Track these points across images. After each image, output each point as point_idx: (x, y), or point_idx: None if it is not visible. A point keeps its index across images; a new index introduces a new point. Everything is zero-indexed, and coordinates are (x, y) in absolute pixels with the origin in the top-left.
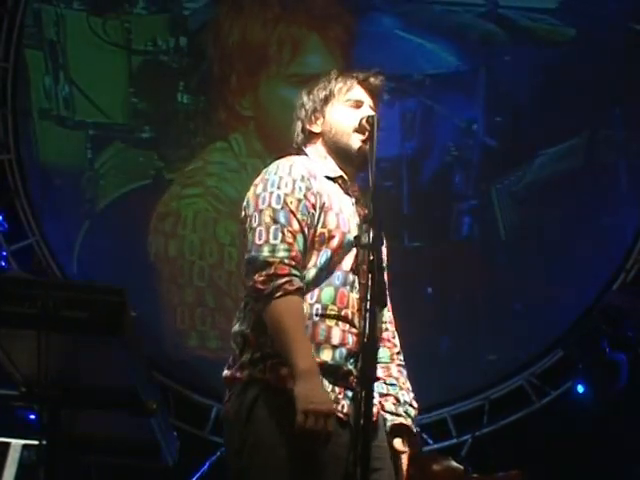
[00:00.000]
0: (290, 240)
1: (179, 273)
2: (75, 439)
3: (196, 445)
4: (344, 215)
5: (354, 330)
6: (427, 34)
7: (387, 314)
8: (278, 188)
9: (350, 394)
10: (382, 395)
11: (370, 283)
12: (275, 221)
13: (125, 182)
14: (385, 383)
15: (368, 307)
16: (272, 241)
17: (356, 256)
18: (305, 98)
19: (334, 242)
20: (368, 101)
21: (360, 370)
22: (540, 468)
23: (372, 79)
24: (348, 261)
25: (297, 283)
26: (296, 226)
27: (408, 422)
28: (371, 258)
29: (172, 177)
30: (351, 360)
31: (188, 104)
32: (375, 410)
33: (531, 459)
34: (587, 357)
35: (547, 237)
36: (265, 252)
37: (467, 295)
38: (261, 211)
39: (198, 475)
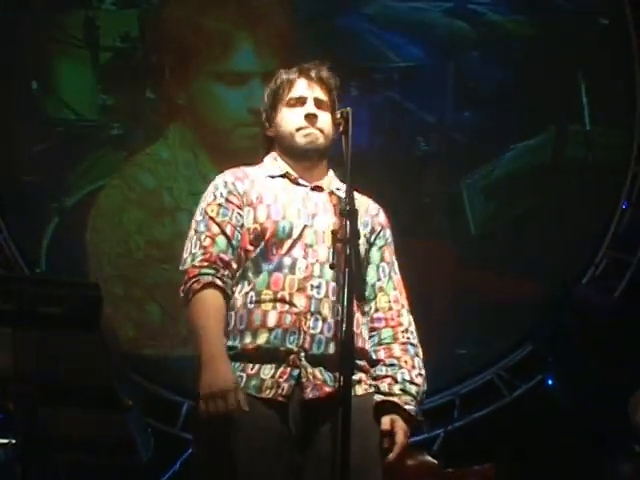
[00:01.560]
0: (206, 243)
1: (97, 263)
2: (50, 437)
3: (167, 442)
4: (279, 204)
5: (294, 310)
6: (395, 31)
7: (392, 293)
8: (202, 202)
9: (296, 373)
10: (379, 378)
11: (347, 277)
12: (196, 231)
13: (94, 179)
14: (385, 365)
15: (345, 300)
16: (192, 250)
17: (333, 250)
18: (263, 103)
19: (267, 233)
20: (312, 94)
21: (339, 360)
22: (512, 461)
23: (313, 72)
24: (287, 246)
25: (205, 279)
26: (215, 229)
27: (395, 399)
28: (348, 252)
29: None
30: (291, 339)
31: (154, 99)
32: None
33: (503, 452)
34: (556, 351)
35: (516, 231)
36: (186, 263)
37: (436, 289)
38: (190, 227)
39: (170, 473)
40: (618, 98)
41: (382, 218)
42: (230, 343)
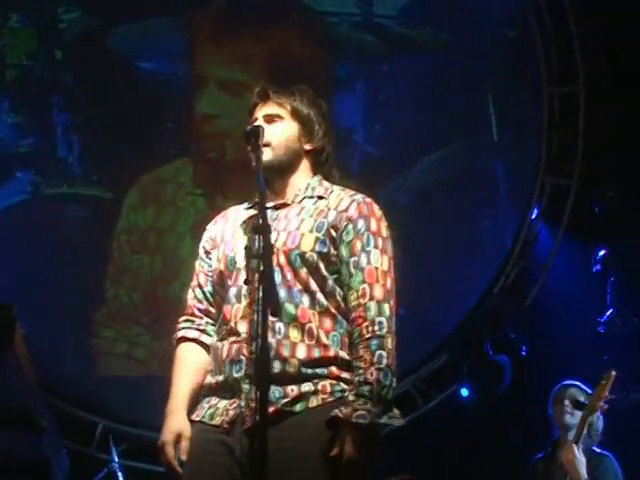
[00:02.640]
0: (189, 296)
1: None
2: None
3: (84, 462)
4: (232, 238)
5: (238, 338)
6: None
7: (360, 287)
8: None
9: (243, 401)
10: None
11: (262, 293)
12: None
13: (3, 198)
14: (354, 367)
15: (260, 317)
16: None
17: (247, 265)
18: None
19: (222, 268)
20: (262, 112)
21: (254, 375)
22: (428, 471)
23: (257, 91)
24: (234, 277)
25: (180, 334)
26: (194, 281)
27: (336, 413)
28: (261, 268)
29: (51, 192)
30: (236, 367)
31: (65, 117)
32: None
33: (419, 463)
34: (471, 360)
35: (429, 241)
36: None
37: None
38: None
39: None
40: (526, 108)
41: (352, 211)
42: (206, 381)
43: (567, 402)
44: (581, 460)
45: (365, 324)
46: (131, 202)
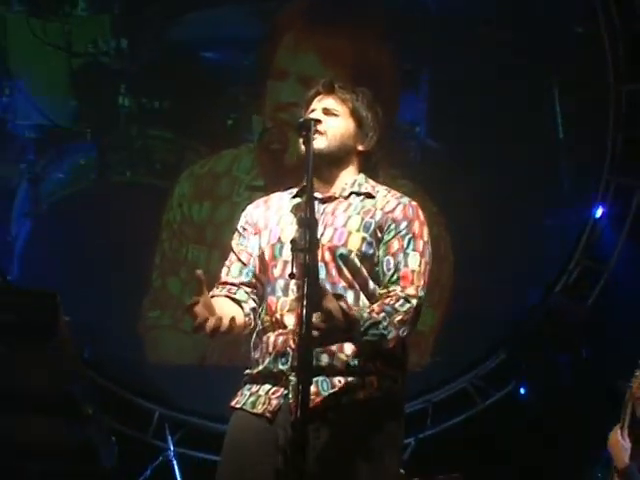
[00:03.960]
0: (223, 273)
1: None
2: (9, 444)
3: (140, 449)
4: (279, 227)
5: (283, 331)
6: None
7: (392, 288)
8: None
9: (285, 393)
10: None
11: (305, 287)
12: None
13: (66, 185)
14: None
15: (304, 310)
16: None
17: (292, 260)
18: None
19: (266, 256)
20: (321, 105)
21: (297, 368)
22: (482, 470)
23: (320, 87)
24: (279, 268)
25: (210, 294)
26: (232, 258)
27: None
28: (307, 262)
29: (113, 180)
30: (282, 360)
31: (129, 106)
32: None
33: (473, 461)
34: (530, 358)
35: (491, 239)
36: None
37: None
38: None
39: None
40: (592, 106)
41: (398, 212)
42: (246, 371)
43: None
44: (624, 445)
45: (392, 295)
46: (184, 193)
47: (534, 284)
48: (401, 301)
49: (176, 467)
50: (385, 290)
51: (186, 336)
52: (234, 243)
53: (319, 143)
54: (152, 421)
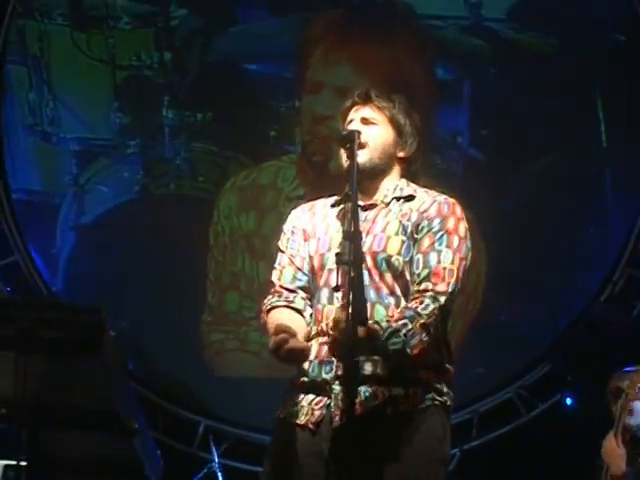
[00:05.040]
0: (275, 277)
1: None
2: (56, 459)
3: (184, 461)
4: (327, 235)
5: (328, 340)
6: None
7: (423, 284)
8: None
9: (329, 402)
10: None
11: (351, 300)
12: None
13: (110, 197)
14: None
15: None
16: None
17: (337, 273)
18: None
19: (315, 265)
20: (359, 115)
21: (342, 378)
22: None
23: (357, 97)
24: (325, 278)
25: (267, 306)
26: (284, 261)
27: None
28: (352, 275)
29: (158, 192)
30: (326, 369)
31: (173, 119)
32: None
33: (519, 472)
34: (576, 369)
35: (533, 249)
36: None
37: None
38: None
39: None
40: (635, 115)
41: (432, 210)
42: (290, 378)
43: None
44: (619, 452)
45: (416, 297)
46: (230, 205)
47: (579, 293)
48: (425, 302)
49: (221, 478)
50: (417, 288)
51: (252, 355)
52: (283, 245)
53: (362, 157)
54: (197, 433)
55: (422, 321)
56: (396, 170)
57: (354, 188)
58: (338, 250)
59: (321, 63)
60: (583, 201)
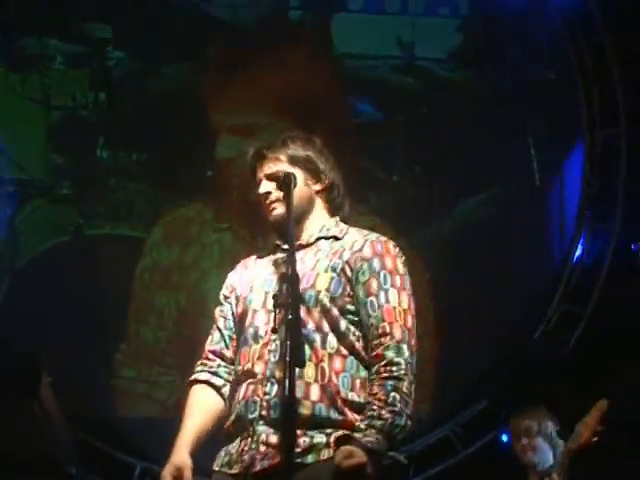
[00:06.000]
0: (207, 341)
1: None
2: None
3: None
4: (250, 280)
5: (254, 379)
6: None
7: (380, 325)
8: None
9: (254, 443)
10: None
11: (289, 343)
12: None
13: (45, 239)
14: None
15: (288, 367)
16: None
17: (274, 315)
18: None
19: (239, 310)
20: (262, 172)
21: (280, 421)
22: None
23: (256, 153)
24: (250, 318)
25: (192, 378)
26: (214, 325)
27: (352, 434)
28: (289, 317)
29: (92, 233)
30: (252, 409)
31: (108, 159)
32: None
33: None
34: (511, 405)
35: (465, 286)
36: None
37: None
38: None
39: None
40: (566, 153)
41: (367, 250)
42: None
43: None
44: None
45: (382, 363)
46: (155, 240)
47: (512, 330)
48: (395, 360)
49: None
50: (374, 332)
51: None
52: (216, 310)
53: (277, 212)
54: (133, 476)
55: (406, 383)
56: (319, 204)
57: (291, 231)
58: (275, 293)
59: (217, 106)
60: (516, 238)
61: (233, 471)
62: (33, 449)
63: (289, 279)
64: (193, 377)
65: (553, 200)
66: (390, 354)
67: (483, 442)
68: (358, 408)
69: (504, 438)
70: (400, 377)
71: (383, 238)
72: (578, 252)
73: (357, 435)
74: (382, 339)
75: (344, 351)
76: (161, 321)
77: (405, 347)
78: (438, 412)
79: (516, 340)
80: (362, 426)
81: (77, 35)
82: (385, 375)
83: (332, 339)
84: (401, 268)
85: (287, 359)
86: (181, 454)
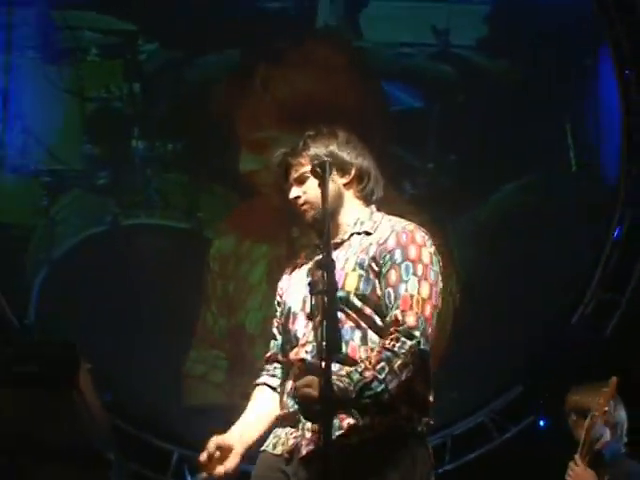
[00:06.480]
0: (269, 347)
1: None
2: None
3: None
4: (291, 285)
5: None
6: (380, 77)
7: (394, 313)
8: None
9: (302, 427)
10: None
11: (325, 331)
12: None
13: (81, 229)
14: None
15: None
16: None
17: (311, 303)
18: None
19: (284, 315)
20: (292, 176)
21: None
22: None
23: (277, 164)
24: (290, 320)
25: (258, 380)
26: (274, 330)
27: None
28: (325, 304)
29: (129, 223)
30: (295, 401)
31: (143, 150)
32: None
33: None
34: (549, 390)
35: (504, 275)
36: None
37: None
38: None
39: None
40: (604, 139)
41: (391, 242)
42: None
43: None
44: (586, 475)
45: (391, 337)
46: (221, 230)
47: (551, 315)
48: (402, 340)
49: None
50: (389, 320)
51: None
52: (275, 317)
53: (309, 217)
54: (171, 462)
55: (400, 361)
56: (349, 197)
57: (327, 221)
58: (311, 280)
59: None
60: (553, 224)
61: (276, 452)
62: (73, 439)
63: (325, 265)
64: (257, 381)
65: (590, 186)
66: (399, 335)
67: (519, 428)
68: (404, 396)
69: (541, 423)
70: (397, 354)
71: (411, 227)
72: (616, 237)
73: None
74: (394, 327)
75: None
76: (221, 308)
77: (417, 333)
78: (474, 399)
79: (553, 325)
80: (341, 372)
81: (109, 27)
82: (387, 346)
83: (372, 336)
84: (426, 257)
85: (322, 345)
86: (224, 436)
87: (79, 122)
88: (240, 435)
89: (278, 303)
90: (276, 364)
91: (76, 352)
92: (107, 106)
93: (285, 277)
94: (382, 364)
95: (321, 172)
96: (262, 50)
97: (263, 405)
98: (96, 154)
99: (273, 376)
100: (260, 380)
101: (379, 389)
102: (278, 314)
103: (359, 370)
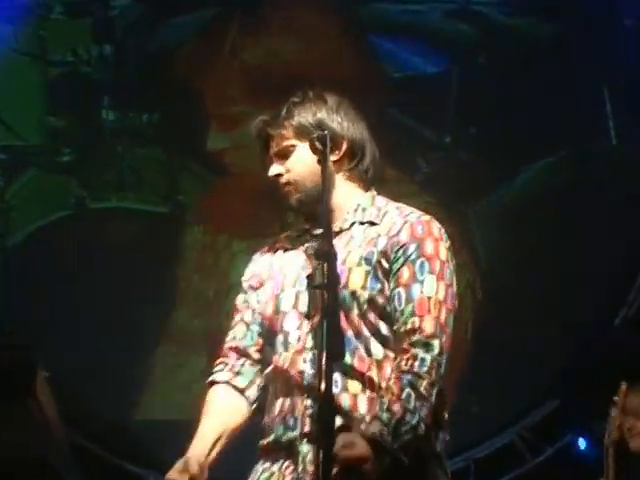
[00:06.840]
0: (228, 337)
1: None
2: None
3: None
4: (281, 275)
5: (289, 392)
6: (387, 35)
7: (410, 320)
8: None
9: (300, 465)
10: None
11: (325, 331)
12: None
13: (42, 214)
14: None
15: (324, 359)
16: None
17: (309, 299)
18: None
19: (269, 310)
20: (273, 149)
21: (315, 433)
22: None
23: (256, 135)
24: (280, 322)
25: (209, 378)
26: (237, 318)
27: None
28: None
29: (97, 207)
30: (291, 426)
31: (114, 121)
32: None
33: None
34: (590, 404)
35: (533, 268)
36: None
37: None
38: None
39: None
40: None
41: (404, 234)
42: (260, 441)
43: None
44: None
45: (406, 356)
46: (194, 219)
47: (589, 317)
48: (420, 357)
49: None
50: (403, 328)
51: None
52: (239, 299)
53: (292, 199)
54: None
55: (426, 382)
56: (342, 178)
57: (324, 202)
58: (309, 273)
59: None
60: (588, 210)
61: None
62: (24, 452)
63: (325, 255)
64: (211, 378)
65: (634, 162)
66: (417, 349)
67: (555, 448)
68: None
69: (581, 444)
70: (420, 374)
71: (426, 218)
72: None
73: (363, 427)
74: (411, 335)
75: (392, 355)
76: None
77: (436, 343)
78: (502, 414)
79: (593, 328)
80: (367, 418)
81: None
82: (405, 369)
83: (376, 345)
84: (444, 254)
85: (322, 349)
86: (193, 451)
87: (40, 90)
88: (203, 456)
89: (252, 287)
90: (245, 359)
91: (30, 355)
92: (73, 71)
93: (259, 260)
94: (407, 390)
95: (321, 147)
96: (238, 9)
97: (227, 411)
98: (59, 127)
99: (238, 374)
100: (219, 377)
101: (414, 421)
102: (252, 299)
103: (384, 407)
